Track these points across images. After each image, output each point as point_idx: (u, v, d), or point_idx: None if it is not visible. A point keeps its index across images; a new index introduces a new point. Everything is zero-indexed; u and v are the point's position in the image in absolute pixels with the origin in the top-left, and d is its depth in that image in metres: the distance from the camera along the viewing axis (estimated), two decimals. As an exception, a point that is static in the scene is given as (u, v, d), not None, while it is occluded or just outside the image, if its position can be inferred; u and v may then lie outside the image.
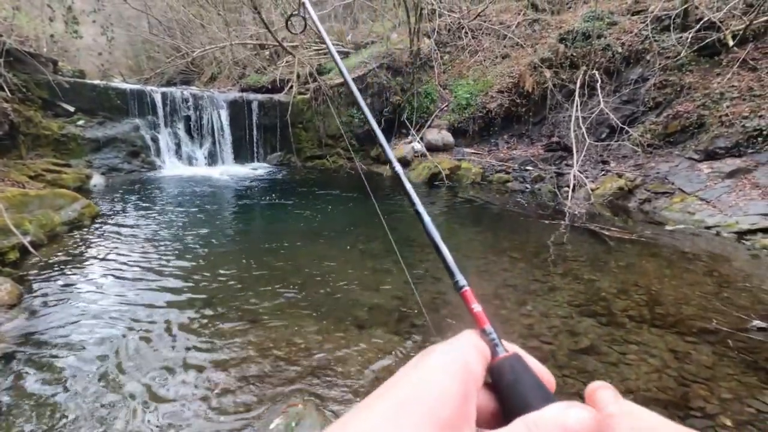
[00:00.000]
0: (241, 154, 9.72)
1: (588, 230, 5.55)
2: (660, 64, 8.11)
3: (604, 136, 8.63)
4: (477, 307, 0.40)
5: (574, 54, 9.18)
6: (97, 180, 7.05)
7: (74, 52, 9.34)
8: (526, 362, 0.35)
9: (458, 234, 5.59)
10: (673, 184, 6.86)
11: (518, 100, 9.79)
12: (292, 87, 10.22)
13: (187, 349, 2.62)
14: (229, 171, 8.93)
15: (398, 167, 0.54)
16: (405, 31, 11.08)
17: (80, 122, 7.63)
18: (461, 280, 0.43)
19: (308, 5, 0.87)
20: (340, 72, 0.72)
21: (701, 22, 7.71)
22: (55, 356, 2.51)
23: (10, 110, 6.00)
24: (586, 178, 7.46)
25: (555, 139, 9.34)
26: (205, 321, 2.95)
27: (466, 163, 9.14)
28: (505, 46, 10.85)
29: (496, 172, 8.89)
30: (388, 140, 10.52)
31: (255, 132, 9.81)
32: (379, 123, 9.15)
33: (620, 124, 8.07)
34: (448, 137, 9.97)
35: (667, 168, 7.21)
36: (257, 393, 2.27)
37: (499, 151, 10.01)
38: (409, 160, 9.47)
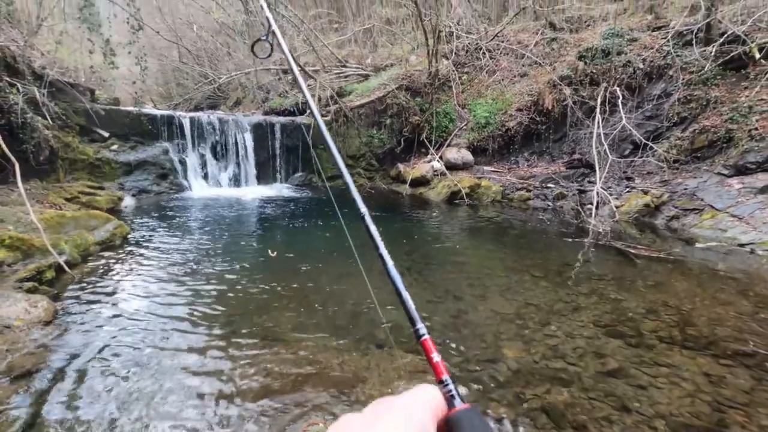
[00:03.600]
0: (264, 175, 9.97)
1: (613, 248, 5.41)
2: (683, 79, 7.99)
3: (627, 152, 8.49)
4: (436, 357, 0.41)
5: (594, 71, 9.15)
6: (128, 201, 7.35)
7: (110, 81, 9.90)
8: (480, 415, 0.36)
9: (479, 252, 5.55)
10: (702, 200, 6.65)
11: (538, 118, 9.77)
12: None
13: (210, 365, 2.66)
14: (253, 192, 9.15)
15: (363, 210, 0.53)
16: (423, 53, 11.30)
17: (114, 147, 8.01)
18: (422, 328, 0.43)
19: (277, 32, 0.93)
20: (308, 105, 0.78)
21: (725, 36, 7.60)
22: (85, 371, 2.59)
23: (51, 137, 6.37)
24: (610, 194, 7.33)
25: (576, 156, 9.24)
26: (228, 338, 3.00)
27: (486, 181, 9.12)
28: (523, 65, 10.92)
29: (516, 190, 8.82)
30: (408, 160, 10.64)
31: (278, 153, 10.07)
32: (398, 143, 9.33)
33: (644, 140, 7.94)
34: (468, 156, 9.99)
35: (695, 184, 7.01)
36: (278, 411, 2.29)
37: (519, 168, 9.96)
38: (428, 178, 9.51)
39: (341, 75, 12.60)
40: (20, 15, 8.47)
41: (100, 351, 2.81)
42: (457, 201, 8.59)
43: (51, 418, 2.20)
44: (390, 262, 0.50)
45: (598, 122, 8.04)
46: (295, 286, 4.02)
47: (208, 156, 9.21)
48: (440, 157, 9.97)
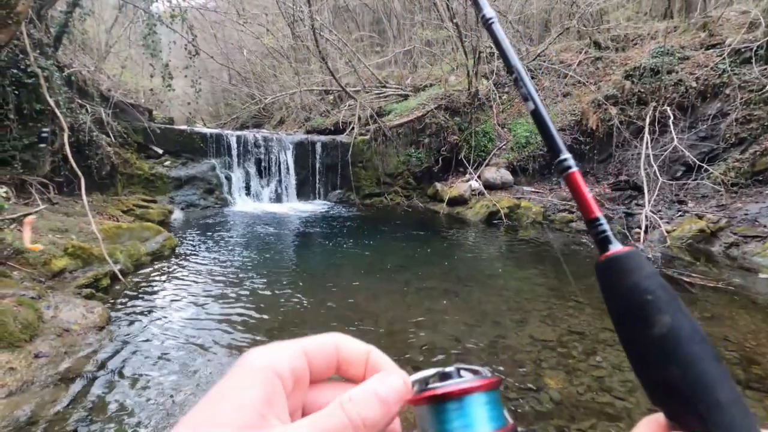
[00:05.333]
0: (304, 192, 10.24)
1: (664, 275, 5.09)
2: (742, 98, 7.55)
3: (679, 174, 8.06)
4: (588, 193, 0.33)
5: (642, 90, 8.84)
6: (177, 215, 7.75)
7: (167, 102, 10.65)
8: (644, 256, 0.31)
9: (518, 274, 5.39)
10: (765, 227, 6.17)
11: (581, 138, 9.51)
12: (353, 128, 10.76)
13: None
14: (293, 208, 9.42)
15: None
16: (463, 74, 11.37)
17: (167, 163, 8.53)
18: (568, 159, 0.34)
19: None
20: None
21: (789, 53, 7.15)
22: (136, 375, 2.72)
23: (112, 153, 6.88)
24: (660, 218, 6.94)
25: (623, 177, 8.87)
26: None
27: (526, 201, 8.91)
28: (566, 85, 10.72)
29: (558, 212, 8.55)
30: (445, 179, 10.61)
31: (317, 171, 10.34)
32: (436, 162, 9.34)
33: (698, 162, 7.52)
34: (507, 175, 9.83)
35: (756, 209, 6.52)
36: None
37: (561, 189, 9.67)
38: (466, 198, 9.41)
39: (381, 95, 12.87)
40: (92, 42, 9.32)
41: (149, 357, 2.94)
42: (495, 221, 8.43)
43: (103, 416, 2.32)
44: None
45: (647, 143, 7.71)
46: (331, 302, 4.06)
47: (252, 172, 9.59)
48: (478, 177, 9.87)
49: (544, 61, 11.45)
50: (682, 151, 7.47)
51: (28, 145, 5.59)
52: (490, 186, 9.62)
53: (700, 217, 6.80)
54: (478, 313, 3.92)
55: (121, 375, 2.72)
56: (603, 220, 0.32)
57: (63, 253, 4.18)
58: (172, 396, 2.52)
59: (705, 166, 7.51)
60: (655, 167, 7.29)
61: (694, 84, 8.23)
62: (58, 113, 5.11)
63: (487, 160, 10.22)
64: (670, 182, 7.64)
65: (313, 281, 4.79)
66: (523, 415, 2.46)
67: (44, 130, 5.66)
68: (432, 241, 7.10)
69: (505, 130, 10.69)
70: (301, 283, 4.65)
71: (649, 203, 6.97)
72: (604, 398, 2.58)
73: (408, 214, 9.53)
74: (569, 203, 8.72)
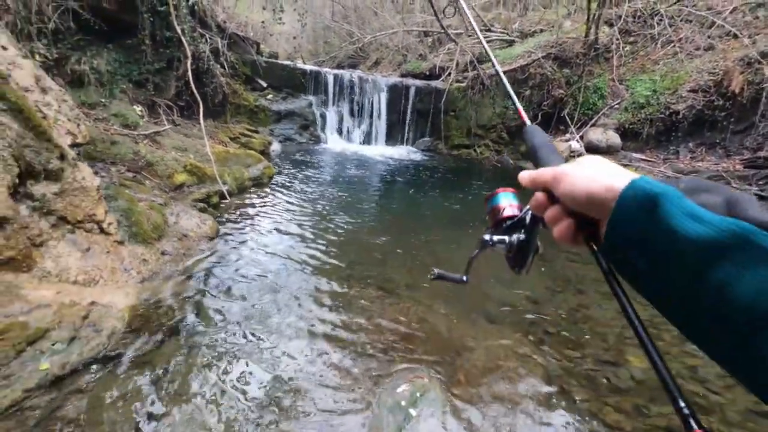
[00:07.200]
0: (393, 136, 10.26)
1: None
2: None
3: (843, 156, 6.61)
4: None
5: (816, 47, 7.14)
6: (275, 146, 8.30)
7: (275, 36, 11.03)
8: None
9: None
10: None
11: (717, 102, 8.10)
12: (449, 74, 10.30)
13: (328, 305, 2.96)
14: (381, 151, 9.54)
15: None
16: (581, 18, 10.09)
17: (269, 96, 9.02)
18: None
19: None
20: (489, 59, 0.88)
21: None
22: (235, 281, 3.12)
23: (225, 83, 7.42)
24: (804, 207, 5.85)
25: (763, 153, 7.51)
26: (347, 283, 3.29)
27: (633, 169, 8.01)
28: (710, 37, 9.02)
29: (670, 185, 7.59)
30: (543, 136, 9.85)
31: (408, 116, 10.21)
32: (535, 117, 8.71)
33: None
34: (615, 138, 8.85)
35: None
36: (386, 358, 2.46)
37: (678, 160, 8.51)
38: (563, 159, 8.72)
39: (485, 40, 12.00)
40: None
41: (248, 270, 3.34)
42: (592, 188, 7.75)
43: (207, 312, 2.73)
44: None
45: (807, 114, 6.35)
46: (411, 247, 4.17)
47: (345, 113, 9.78)
48: (581, 137, 9.03)
49: (687, 5, 9.65)
50: None
51: (159, 70, 6.25)
52: (593, 149, 8.77)
53: None
54: (561, 279, 3.77)
55: (226, 281, 3.13)
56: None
57: (183, 170, 4.74)
58: (262, 305, 2.87)
59: None
60: (812, 145, 6.04)
61: None
62: (184, 41, 5.58)
63: (594, 120, 9.25)
64: (829, 165, 6.31)
65: (395, 225, 4.93)
66: (597, 385, 2.39)
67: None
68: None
69: (622, 86, 9.46)
70: (383, 226, 4.81)
71: (792, 187, 5.87)
72: (695, 387, 2.40)
73: (496, 169, 9.16)
74: (686, 177, 7.67)
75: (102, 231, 2.89)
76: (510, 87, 0.89)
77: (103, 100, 5.44)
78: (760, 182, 7.17)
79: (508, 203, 0.68)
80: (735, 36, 8.58)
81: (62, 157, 2.73)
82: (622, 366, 2.57)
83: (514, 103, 0.80)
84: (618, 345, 2.79)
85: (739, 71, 7.86)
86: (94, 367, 2.12)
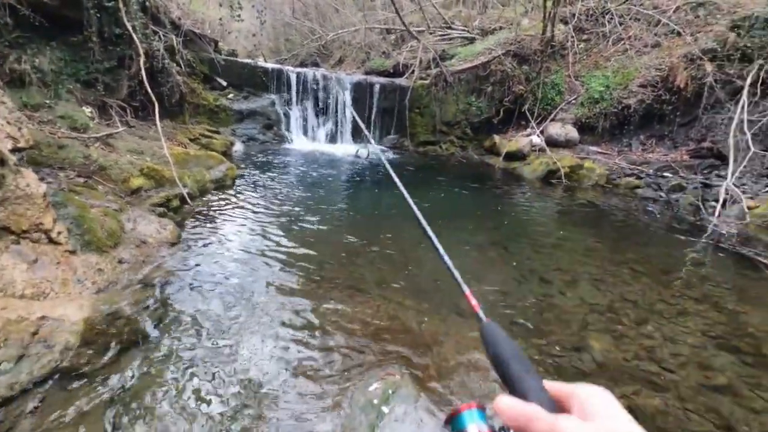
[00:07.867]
0: (359, 134, 10.21)
1: (738, 254, 4.72)
2: None
3: (776, 145, 7.15)
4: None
5: (749, 45, 7.69)
6: (238, 147, 8.07)
7: (233, 34, 10.70)
8: None
9: (572, 236, 5.20)
10: None
11: (664, 97, 8.58)
12: (413, 72, 10.37)
13: (299, 303, 2.91)
14: (347, 150, 9.47)
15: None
16: (538, 17, 10.40)
17: (230, 95, 8.75)
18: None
19: None
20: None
21: None
22: (200, 288, 3.00)
23: (182, 82, 7.13)
24: (743, 193, 6.29)
25: (707, 144, 8.02)
26: (317, 281, 3.25)
27: (590, 162, 8.36)
28: (656, 35, 9.53)
29: (624, 176, 7.98)
30: (505, 131, 10.12)
31: (374, 114, 10.19)
32: (497, 113, 8.89)
33: (802, 133, 6.60)
34: (573, 132, 9.20)
35: None
36: (358, 354, 2.45)
37: (631, 152, 8.96)
38: (525, 153, 8.98)
39: (446, 37, 12.15)
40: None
41: (213, 275, 3.22)
42: (553, 181, 8.04)
43: (171, 319, 2.61)
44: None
45: (743, 106, 6.84)
46: (378, 244, 4.16)
47: (310, 111, 9.64)
48: (541, 132, 9.32)
49: (635, 4, 10.14)
50: (786, 118, 6.57)
51: (109, 69, 5.92)
52: (553, 143, 9.08)
53: (792, 196, 6.09)
54: (526, 270, 3.88)
55: (189, 287, 3.01)
56: None
57: (139, 173, 4.52)
58: (227, 310, 2.78)
59: (810, 138, 6.59)
60: (749, 135, 6.51)
61: (817, 40, 7.03)
62: (135, 38, 5.31)
63: (552, 115, 9.57)
64: (764, 153, 6.81)
65: (363, 223, 4.91)
66: (562, 371, 2.48)
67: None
68: (485, 194, 6.95)
69: (578, 82, 9.84)
70: (350, 225, 4.78)
71: (732, 175, 6.32)
72: (651, 367, 2.53)
73: (462, 165, 9.30)
74: (638, 168, 8.09)
75: (51, 240, 2.71)
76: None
77: (47, 101, 5.10)
78: (705, 171, 7.66)
79: (476, 428, 0.53)
80: (678, 34, 9.10)
81: (2, 162, 2.53)
82: (585, 350, 2.68)
83: (462, 291, 0.73)
84: (581, 331, 2.90)
85: (683, 67, 8.35)
86: (47, 385, 1.98)
